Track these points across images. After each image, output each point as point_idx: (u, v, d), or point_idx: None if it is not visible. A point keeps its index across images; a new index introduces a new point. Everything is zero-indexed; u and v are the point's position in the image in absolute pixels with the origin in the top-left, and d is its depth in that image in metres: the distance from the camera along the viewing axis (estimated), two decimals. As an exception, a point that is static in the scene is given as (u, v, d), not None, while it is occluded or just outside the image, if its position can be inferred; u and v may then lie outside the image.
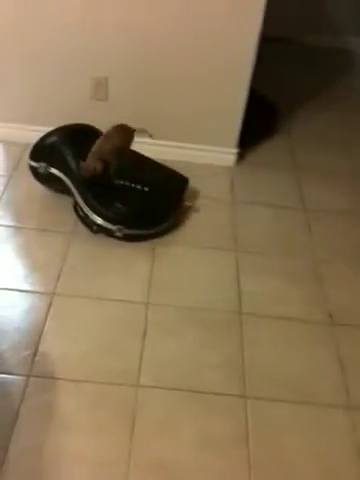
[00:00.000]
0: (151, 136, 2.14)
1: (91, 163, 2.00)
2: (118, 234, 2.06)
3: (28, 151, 2.19)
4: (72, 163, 2.09)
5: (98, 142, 2.05)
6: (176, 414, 1.55)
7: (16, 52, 2.29)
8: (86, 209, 2.07)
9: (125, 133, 2.13)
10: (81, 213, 2.11)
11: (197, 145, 2.53)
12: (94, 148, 2.04)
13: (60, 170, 2.13)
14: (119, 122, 2.37)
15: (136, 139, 2.41)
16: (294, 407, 1.61)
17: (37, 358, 1.64)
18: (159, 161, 2.32)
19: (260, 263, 2.08)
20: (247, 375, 1.67)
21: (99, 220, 2.06)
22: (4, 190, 2.26)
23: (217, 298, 1.92)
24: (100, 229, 2.08)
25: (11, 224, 2.11)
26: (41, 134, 2.17)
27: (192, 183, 2.31)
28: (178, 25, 2.17)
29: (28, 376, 1.59)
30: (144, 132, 2.13)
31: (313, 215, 2.35)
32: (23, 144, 2.44)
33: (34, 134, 2.20)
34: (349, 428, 1.57)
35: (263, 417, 1.57)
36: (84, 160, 2.02)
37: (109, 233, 2.07)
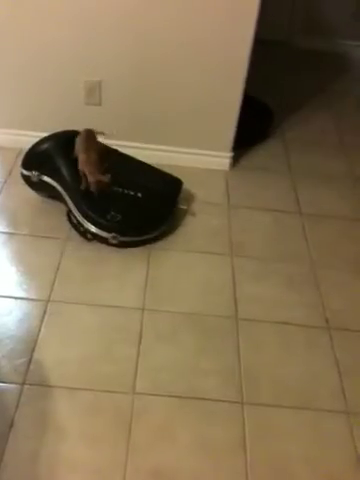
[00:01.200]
0: (104, 134, 2.16)
1: (100, 178, 2.01)
2: (113, 242, 2.05)
3: (21, 158, 2.19)
4: (64, 171, 2.08)
5: (83, 157, 2.04)
6: (173, 421, 1.54)
7: (8, 57, 2.28)
8: (80, 217, 2.06)
9: (93, 137, 2.13)
10: (75, 221, 2.09)
11: (191, 149, 2.53)
12: (85, 164, 2.03)
13: (53, 178, 2.12)
14: (113, 128, 2.39)
15: (130, 144, 2.42)
16: (291, 413, 1.60)
17: (32, 366, 1.63)
18: (153, 166, 2.32)
19: (256, 267, 2.08)
20: (244, 381, 1.66)
21: (93, 228, 2.04)
22: (-2, 196, 2.26)
23: (213, 303, 1.91)
24: (94, 237, 2.07)
25: (5, 230, 2.10)
26: (35, 139, 2.16)
27: (187, 188, 2.31)
28: (172, 29, 2.17)
29: (23, 384, 1.58)
30: (101, 133, 2.15)
31: (309, 219, 2.35)
32: (17, 149, 2.44)
33: (28, 139, 2.20)
34: (347, 433, 1.56)
35: (260, 423, 1.56)
36: (76, 169, 2.02)
37: (103, 241, 2.06)
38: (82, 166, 2.03)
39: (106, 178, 2.02)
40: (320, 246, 2.21)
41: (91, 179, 2.02)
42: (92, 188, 2.03)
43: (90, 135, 2.12)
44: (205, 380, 1.65)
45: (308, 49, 3.80)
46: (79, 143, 2.07)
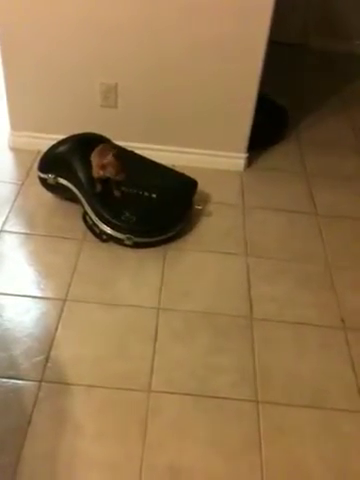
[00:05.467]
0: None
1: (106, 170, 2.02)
2: (128, 243, 2.07)
3: (38, 160, 2.23)
4: (80, 173, 2.11)
5: (97, 161, 2.06)
6: (188, 419, 1.55)
7: (26, 60, 2.32)
8: (95, 218, 2.08)
9: (108, 147, 2.13)
10: (90, 222, 2.12)
11: (207, 150, 2.54)
12: (96, 163, 2.05)
13: (69, 181, 2.15)
14: (128, 130, 2.40)
15: (145, 146, 2.44)
16: (306, 412, 1.60)
17: (49, 363, 1.65)
18: (169, 166, 2.34)
19: (271, 268, 2.08)
20: (259, 380, 1.67)
21: (108, 229, 2.06)
22: (16, 197, 2.29)
23: (228, 303, 1.92)
24: (109, 238, 2.09)
25: (23, 231, 2.13)
26: (52, 141, 2.19)
27: (202, 188, 2.32)
28: (187, 32, 2.19)
29: (40, 381, 1.60)
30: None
31: (324, 219, 2.34)
32: (34, 152, 2.47)
33: (45, 142, 2.23)
34: (362, 433, 1.56)
35: (275, 422, 1.57)
36: (91, 171, 2.05)
37: (119, 242, 2.08)
38: (97, 169, 2.05)
39: (119, 177, 2.03)
40: (335, 246, 2.20)
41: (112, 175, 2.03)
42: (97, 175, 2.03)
43: (103, 148, 2.12)
44: (220, 379, 1.66)
45: (323, 50, 3.79)
46: (94, 156, 2.08)
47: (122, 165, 2.02)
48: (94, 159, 2.06)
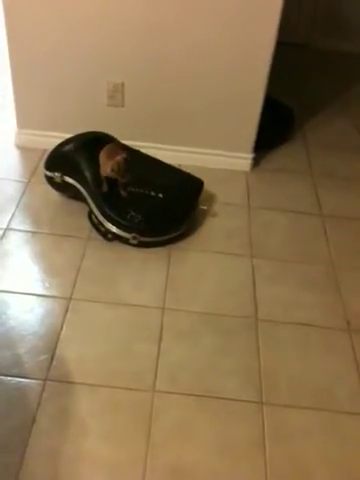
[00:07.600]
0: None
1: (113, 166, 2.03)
2: (133, 242, 2.07)
3: (44, 158, 2.23)
4: (87, 172, 2.11)
5: (104, 161, 2.07)
6: (192, 419, 1.55)
7: (33, 59, 2.32)
8: (101, 217, 2.08)
9: (116, 147, 2.14)
10: (96, 221, 2.12)
11: (213, 150, 2.54)
12: (104, 162, 2.06)
13: (75, 179, 2.15)
14: (135, 129, 2.40)
15: (152, 145, 2.44)
16: (311, 414, 1.60)
17: (54, 362, 1.65)
18: (175, 166, 2.34)
19: (276, 268, 2.08)
20: (263, 381, 1.66)
21: (114, 228, 2.06)
22: (22, 196, 2.29)
23: (233, 303, 1.92)
24: (115, 237, 2.09)
25: (28, 229, 2.13)
26: (58, 140, 2.19)
27: (208, 188, 2.32)
28: (195, 32, 2.18)
29: (45, 380, 1.60)
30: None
31: (329, 220, 2.34)
32: (41, 150, 2.47)
33: (51, 140, 2.23)
34: (367, 435, 1.56)
35: (280, 423, 1.56)
36: (99, 171, 2.05)
37: (124, 241, 2.08)
38: (105, 168, 2.04)
39: (124, 179, 2.04)
40: (341, 247, 2.20)
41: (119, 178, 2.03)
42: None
43: (112, 148, 2.12)
44: (225, 380, 1.66)
45: (328, 50, 3.78)
46: (102, 155, 2.08)
47: (128, 167, 2.02)
48: (102, 158, 2.06)
